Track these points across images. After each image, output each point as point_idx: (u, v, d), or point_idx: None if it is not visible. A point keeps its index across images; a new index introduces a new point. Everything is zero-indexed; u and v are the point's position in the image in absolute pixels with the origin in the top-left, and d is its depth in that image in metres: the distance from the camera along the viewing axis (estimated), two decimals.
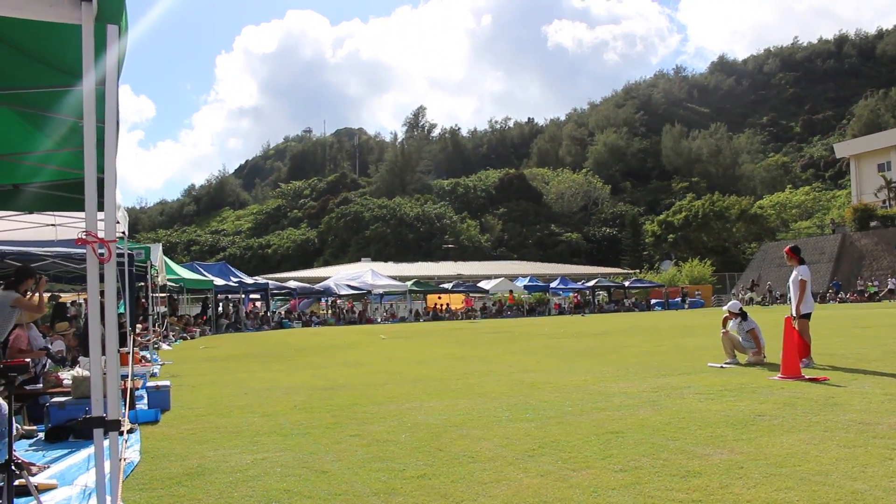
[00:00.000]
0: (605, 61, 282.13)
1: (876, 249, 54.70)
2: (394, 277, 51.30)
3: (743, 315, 11.66)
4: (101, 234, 3.30)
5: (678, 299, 53.08)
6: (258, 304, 42.82)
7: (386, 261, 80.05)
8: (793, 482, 4.47)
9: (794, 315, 10.77)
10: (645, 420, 6.76)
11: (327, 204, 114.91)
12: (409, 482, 4.83)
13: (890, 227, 54.61)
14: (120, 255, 10.21)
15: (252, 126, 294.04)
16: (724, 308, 12.20)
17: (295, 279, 53.10)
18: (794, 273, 11.09)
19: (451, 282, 53.74)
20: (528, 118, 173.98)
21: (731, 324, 11.76)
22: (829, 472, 4.68)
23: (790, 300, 11.40)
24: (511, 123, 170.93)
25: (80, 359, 9.61)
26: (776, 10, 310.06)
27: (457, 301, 49.93)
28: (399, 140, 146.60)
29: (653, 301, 54.40)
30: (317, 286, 47.17)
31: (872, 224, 57.65)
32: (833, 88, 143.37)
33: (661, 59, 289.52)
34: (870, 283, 50.99)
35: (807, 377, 9.21)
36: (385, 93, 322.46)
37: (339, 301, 45.84)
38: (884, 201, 63.50)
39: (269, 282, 43.48)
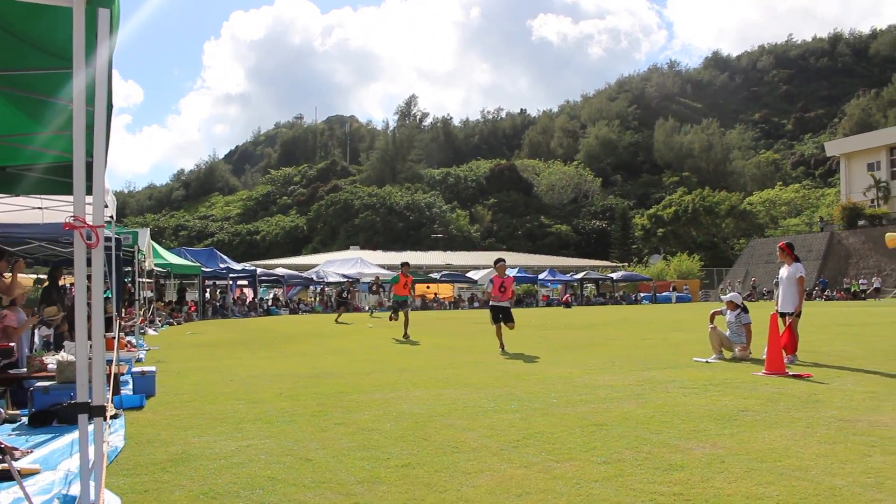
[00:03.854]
0: (589, 56, 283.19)
1: (863, 248, 55.04)
2: (382, 266, 51.28)
3: (744, 308, 11.68)
4: (88, 219, 3.29)
5: (666, 293, 53.28)
6: (246, 290, 42.71)
7: (375, 249, 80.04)
8: (773, 477, 4.51)
9: (791, 312, 10.80)
10: (629, 413, 6.80)
11: (317, 191, 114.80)
12: (394, 471, 4.85)
13: (877, 226, 54.93)
14: (107, 240, 10.17)
15: (239, 113, 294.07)
16: (725, 299, 12.12)
17: (283, 266, 53.00)
18: (791, 270, 11.07)
19: (439, 271, 53.75)
20: (521, 109, 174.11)
21: (729, 315, 11.73)
22: (808, 468, 4.72)
23: (777, 297, 11.43)
24: (503, 114, 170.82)
25: (66, 343, 9.57)
26: (761, 9, 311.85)
27: (445, 290, 49.92)
28: (390, 129, 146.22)
29: (641, 295, 54.58)
30: (305, 273, 47.09)
31: (860, 223, 58.01)
32: (826, 87, 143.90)
33: (646, 55, 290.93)
34: (855, 282, 51.35)
35: (791, 374, 9.28)
36: (373, 82, 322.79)
37: (326, 289, 45.79)
38: (872, 200, 63.83)
39: (257, 268, 43.38)
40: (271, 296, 45.27)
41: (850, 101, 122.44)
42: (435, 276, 50.08)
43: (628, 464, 4.93)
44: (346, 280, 43.40)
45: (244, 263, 47.67)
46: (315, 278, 45.56)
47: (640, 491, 4.29)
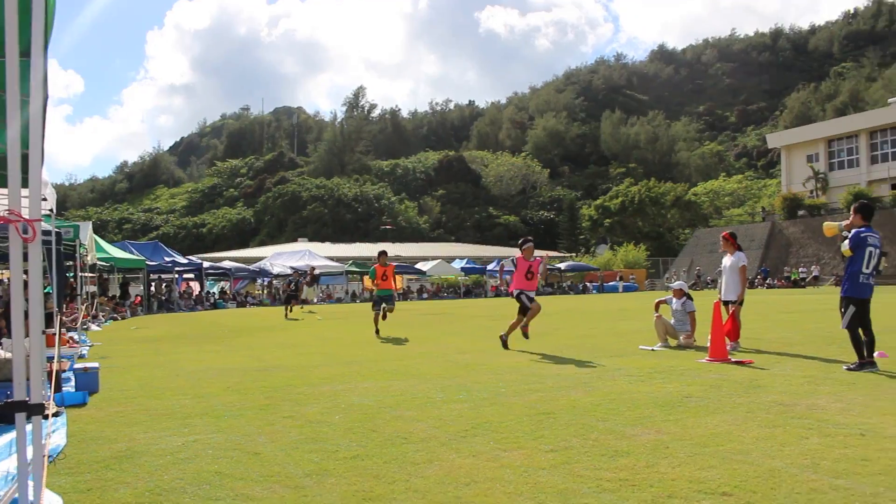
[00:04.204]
0: (536, 48, 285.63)
1: (802, 237, 56.51)
2: (331, 258, 50.97)
3: (689, 296, 11.90)
4: (25, 213, 3.21)
5: (613, 283, 54.03)
6: (192, 284, 42.10)
7: (323, 241, 79.50)
8: (715, 461, 4.62)
9: (734, 300, 11.03)
10: (576, 401, 6.89)
11: (264, 183, 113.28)
12: (342, 463, 4.84)
13: (816, 217, 56.43)
14: (47, 234, 9.92)
15: (184, 104, 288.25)
16: (673, 287, 12.32)
17: (230, 259, 52.33)
18: (733, 259, 11.27)
19: None
20: (469, 101, 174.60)
21: (675, 303, 11.91)
22: (749, 451, 4.85)
23: (720, 285, 11.66)
24: (452, 106, 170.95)
25: (3, 340, 9.33)
26: (705, 4, 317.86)
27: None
28: (338, 120, 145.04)
29: (589, 284, 55.24)
30: (252, 266, 46.58)
31: (800, 213, 59.55)
32: (767, 81, 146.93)
33: (592, 47, 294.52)
34: (795, 270, 52.73)
35: (733, 360, 9.49)
36: (321, 73, 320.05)
37: (274, 281, 45.36)
38: (811, 191, 65.56)
39: (204, 262, 42.75)
40: (218, 289, 44.70)
41: (791, 94, 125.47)
42: None
43: (575, 451, 4.99)
44: (294, 272, 43.00)
45: (190, 256, 46.91)
46: (263, 270, 45.10)
47: (586, 477, 4.35)
